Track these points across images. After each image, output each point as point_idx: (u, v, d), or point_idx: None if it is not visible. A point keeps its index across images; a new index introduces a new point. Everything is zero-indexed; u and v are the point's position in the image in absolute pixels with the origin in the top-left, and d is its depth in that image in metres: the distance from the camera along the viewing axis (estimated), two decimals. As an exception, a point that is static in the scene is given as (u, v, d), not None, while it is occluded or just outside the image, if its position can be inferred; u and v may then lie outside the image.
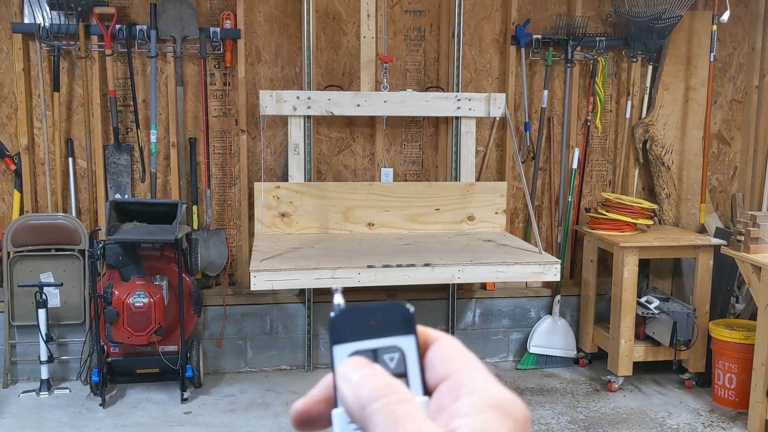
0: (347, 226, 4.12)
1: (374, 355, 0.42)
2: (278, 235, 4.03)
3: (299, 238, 3.98)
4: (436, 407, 0.39)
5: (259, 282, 3.23)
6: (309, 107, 4.01)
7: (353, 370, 0.40)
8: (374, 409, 0.38)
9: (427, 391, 0.41)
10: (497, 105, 4.16)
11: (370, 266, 3.31)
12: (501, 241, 3.91)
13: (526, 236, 4.59)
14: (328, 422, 0.43)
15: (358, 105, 4.06)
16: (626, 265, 4.12)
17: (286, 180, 4.16)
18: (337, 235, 4.08)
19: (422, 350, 0.42)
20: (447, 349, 0.42)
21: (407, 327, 0.42)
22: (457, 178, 4.24)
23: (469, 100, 4.15)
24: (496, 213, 4.24)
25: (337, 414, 0.41)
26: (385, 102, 4.08)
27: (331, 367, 0.42)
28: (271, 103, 3.96)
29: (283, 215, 4.06)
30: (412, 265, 3.35)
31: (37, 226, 4.08)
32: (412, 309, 0.43)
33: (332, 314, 0.43)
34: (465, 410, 0.38)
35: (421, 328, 0.43)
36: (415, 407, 0.38)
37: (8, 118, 4.22)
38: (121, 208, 3.88)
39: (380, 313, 0.43)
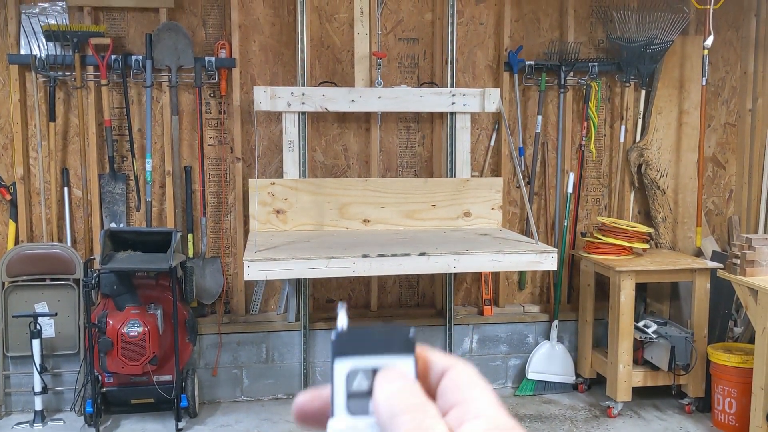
0: (343, 222, 4.09)
1: (374, 373, 0.43)
2: (273, 231, 3.99)
3: (294, 234, 3.95)
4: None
5: (253, 272, 3.17)
6: (303, 103, 4.01)
7: (394, 380, 0.42)
8: (402, 421, 0.40)
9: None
10: (492, 100, 4.15)
11: (365, 255, 3.26)
12: (497, 235, 3.88)
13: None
14: (326, 423, 0.44)
15: (353, 101, 4.06)
16: (623, 290, 4.11)
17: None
18: (333, 231, 4.05)
19: (422, 373, 0.44)
20: (459, 378, 0.43)
21: (407, 348, 0.44)
22: (452, 174, 4.23)
23: (464, 95, 4.15)
24: (492, 209, 4.21)
25: (331, 426, 0.42)
26: (379, 98, 4.08)
27: (330, 381, 0.43)
28: (265, 99, 3.96)
29: (278, 212, 4.03)
30: (408, 255, 3.30)
31: (32, 255, 4.07)
32: (413, 332, 0.44)
33: (336, 331, 0.44)
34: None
35: (436, 354, 0.45)
36: (439, 426, 0.40)
37: (4, 149, 4.23)
38: (115, 237, 3.88)
39: (382, 334, 0.44)
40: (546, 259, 3.39)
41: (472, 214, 4.18)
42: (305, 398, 0.45)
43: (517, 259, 3.38)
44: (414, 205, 4.15)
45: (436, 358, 0.45)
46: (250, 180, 4.08)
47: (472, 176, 4.34)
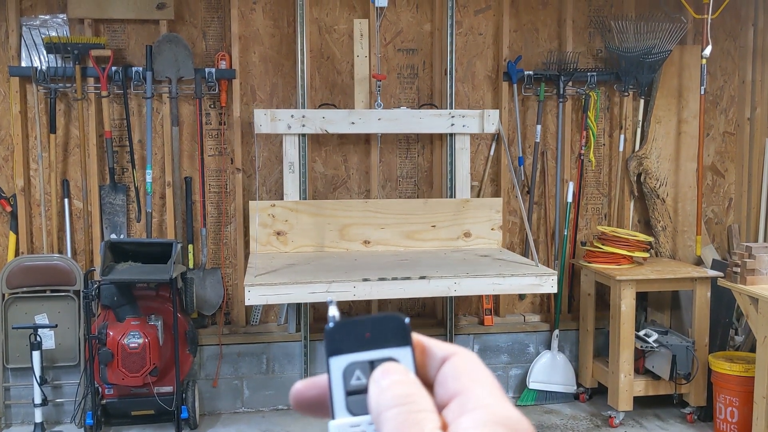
0: (343, 243, 4.10)
1: (371, 367, 0.41)
2: (274, 253, 4.00)
3: (295, 255, 3.96)
4: (442, 424, 0.39)
5: (253, 297, 3.19)
6: (303, 125, 4.03)
7: (383, 376, 0.40)
8: (388, 417, 0.38)
9: (439, 408, 0.40)
10: (491, 121, 4.17)
11: (365, 279, 3.28)
12: (497, 256, 3.88)
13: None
14: (323, 411, 0.43)
15: (353, 123, 4.08)
16: (623, 299, 4.11)
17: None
18: (333, 252, 4.06)
19: (420, 362, 0.42)
20: (459, 366, 0.41)
21: (403, 338, 0.42)
22: (452, 195, 4.24)
23: (463, 116, 4.17)
24: (492, 229, 4.22)
25: (333, 426, 0.41)
26: (379, 119, 4.10)
27: (328, 380, 0.41)
28: (265, 121, 3.98)
29: (278, 233, 4.04)
30: (408, 278, 3.31)
31: (32, 267, 4.07)
32: (407, 320, 0.42)
33: (328, 326, 0.43)
34: (468, 424, 0.37)
35: (435, 342, 0.43)
36: (429, 418, 0.38)
37: (5, 160, 4.24)
38: (116, 248, 3.88)
39: (376, 325, 0.42)
40: (546, 282, 3.42)
41: (472, 234, 4.20)
42: (302, 386, 0.44)
43: (517, 282, 3.41)
44: (414, 225, 4.16)
45: (435, 346, 0.43)
46: (250, 202, 4.09)
47: (471, 185, 4.35)
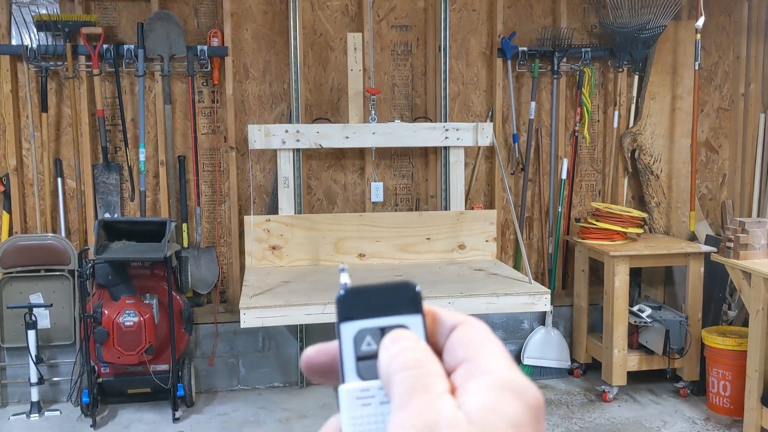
0: (338, 257, 4.11)
1: (381, 333, 0.42)
2: (269, 268, 4.00)
3: (290, 270, 3.96)
4: (451, 388, 0.39)
5: (249, 319, 3.19)
6: (298, 140, 4.03)
7: (394, 342, 0.40)
8: (397, 380, 0.38)
9: (447, 374, 0.41)
10: (485, 134, 4.18)
11: None
12: (492, 270, 3.89)
13: (518, 252, 4.59)
14: (333, 376, 0.43)
15: (347, 137, 4.08)
16: (617, 274, 4.12)
17: (276, 198, 4.16)
18: (329, 266, 4.06)
19: (430, 330, 0.42)
20: (469, 333, 0.41)
21: (414, 306, 0.42)
22: (447, 207, 4.25)
23: (457, 129, 4.17)
24: (486, 241, 4.23)
25: (343, 390, 0.41)
26: (373, 134, 4.10)
27: (338, 346, 0.42)
28: (260, 137, 3.98)
29: (273, 248, 4.05)
30: None
31: (26, 246, 4.06)
32: (419, 288, 0.43)
33: (340, 293, 0.43)
34: (475, 388, 0.38)
35: (445, 311, 0.43)
36: (438, 382, 0.38)
37: (-4, 140, 4.22)
38: (110, 227, 3.87)
39: (388, 293, 0.43)
40: (540, 301, 3.44)
41: (466, 246, 4.21)
42: (313, 352, 0.44)
43: (511, 301, 3.41)
44: (409, 238, 4.17)
45: (445, 314, 0.43)
46: (245, 217, 4.08)
47: (465, 162, 4.34)
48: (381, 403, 0.40)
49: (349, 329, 0.42)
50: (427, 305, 0.43)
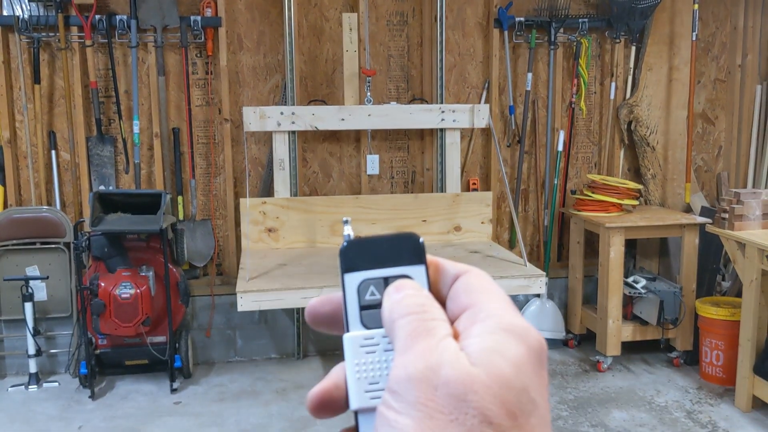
0: (334, 239, 4.11)
1: (385, 283, 0.42)
2: (265, 250, 4.00)
3: (286, 253, 3.96)
4: (454, 333, 0.40)
5: (246, 303, 3.22)
6: (293, 122, 4.01)
7: (397, 290, 0.41)
8: (400, 324, 0.39)
9: (451, 322, 0.41)
10: (481, 116, 4.17)
11: None
12: (487, 252, 3.91)
13: (513, 226, 4.59)
14: (337, 325, 0.43)
15: (342, 119, 4.06)
16: (612, 246, 4.14)
17: (271, 171, 4.14)
18: (324, 249, 4.06)
19: (433, 280, 0.43)
20: (472, 281, 0.42)
21: (417, 257, 0.42)
22: (443, 189, 4.25)
23: (453, 111, 4.15)
24: (482, 222, 4.24)
25: (347, 338, 0.41)
26: (369, 116, 4.08)
27: (342, 296, 0.42)
28: (255, 119, 3.95)
29: (269, 230, 4.05)
30: None
31: (21, 219, 4.05)
32: (422, 240, 0.43)
33: (343, 244, 0.43)
34: (478, 331, 0.38)
35: (448, 261, 0.44)
36: (441, 326, 0.39)
37: (-11, 112, 4.18)
38: (105, 199, 3.86)
39: (391, 244, 0.43)
40: (535, 284, 3.47)
41: (462, 228, 4.22)
42: (317, 302, 0.45)
43: (507, 283, 3.43)
44: (405, 220, 4.17)
45: (448, 264, 0.44)
46: (241, 199, 4.06)
47: (462, 134, 4.33)
48: (385, 350, 0.41)
49: (352, 280, 0.42)
50: (430, 256, 0.43)
